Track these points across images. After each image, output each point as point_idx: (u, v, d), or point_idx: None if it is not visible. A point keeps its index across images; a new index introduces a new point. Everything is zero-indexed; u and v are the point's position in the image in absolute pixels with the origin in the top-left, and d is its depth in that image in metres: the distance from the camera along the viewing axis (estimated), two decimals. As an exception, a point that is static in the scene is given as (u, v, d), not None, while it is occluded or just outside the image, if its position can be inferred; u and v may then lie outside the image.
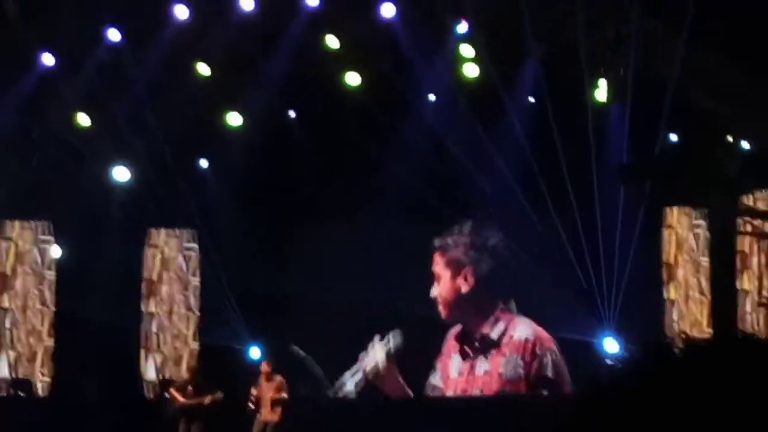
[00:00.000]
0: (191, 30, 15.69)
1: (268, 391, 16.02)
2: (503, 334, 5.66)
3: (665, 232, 17.52)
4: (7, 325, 17.82)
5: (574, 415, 2.97)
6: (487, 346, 5.66)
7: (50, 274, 17.93)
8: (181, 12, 15.59)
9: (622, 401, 2.83)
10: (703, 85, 14.26)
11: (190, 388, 16.61)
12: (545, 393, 5.59)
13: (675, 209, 17.49)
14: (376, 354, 5.99)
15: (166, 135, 16.41)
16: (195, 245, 18.39)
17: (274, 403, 15.86)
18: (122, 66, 15.86)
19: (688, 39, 13.74)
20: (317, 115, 16.84)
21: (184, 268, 18.45)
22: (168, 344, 18.26)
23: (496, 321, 5.70)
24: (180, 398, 16.48)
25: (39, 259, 17.93)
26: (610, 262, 15.66)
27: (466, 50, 15.90)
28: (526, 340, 5.62)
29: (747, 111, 14.57)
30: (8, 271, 17.91)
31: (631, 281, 15.67)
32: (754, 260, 17.06)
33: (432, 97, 16.59)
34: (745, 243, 17.09)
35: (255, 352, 17.48)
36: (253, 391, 16.13)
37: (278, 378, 16.01)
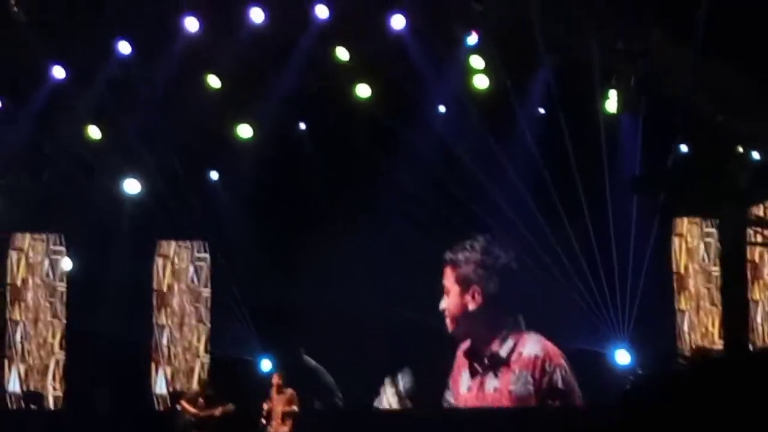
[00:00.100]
0: (202, 42, 15.70)
1: (278, 403, 16.00)
2: (512, 351, 5.66)
3: (675, 242, 17.51)
4: (18, 338, 17.83)
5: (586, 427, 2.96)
6: (497, 364, 5.66)
7: (61, 286, 17.96)
8: (192, 25, 15.60)
9: (637, 417, 2.82)
10: (714, 97, 14.25)
11: (200, 400, 16.60)
12: (556, 404, 5.59)
13: (685, 219, 17.48)
14: (388, 398, 6.04)
15: (176, 147, 16.45)
16: (206, 255, 18.39)
17: (285, 415, 15.84)
18: (133, 79, 15.89)
19: (700, 51, 13.73)
20: (327, 127, 16.86)
21: (195, 279, 18.45)
22: (179, 356, 18.26)
23: (505, 338, 5.70)
24: (191, 410, 16.47)
25: (50, 272, 17.95)
26: (623, 273, 15.65)
27: (477, 62, 15.90)
28: (536, 357, 5.62)
29: (757, 122, 14.56)
30: (19, 283, 17.93)
31: (644, 293, 15.67)
32: (765, 271, 17.06)
33: (442, 109, 16.59)
34: (755, 253, 17.07)
35: (266, 365, 17.47)
36: (265, 406, 16.11)
37: (289, 391, 15.99)
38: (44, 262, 17.98)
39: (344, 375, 16.26)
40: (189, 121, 16.16)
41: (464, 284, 5.89)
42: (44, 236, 17.98)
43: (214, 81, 16.17)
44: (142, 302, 17.98)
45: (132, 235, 17.29)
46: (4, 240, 17.93)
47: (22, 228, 17.88)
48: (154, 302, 18.28)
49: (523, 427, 5.10)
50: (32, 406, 17.46)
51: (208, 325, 18.40)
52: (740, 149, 15.74)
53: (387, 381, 6.02)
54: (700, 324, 17.38)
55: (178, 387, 18.05)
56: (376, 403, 5.99)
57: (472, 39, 15.74)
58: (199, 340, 18.37)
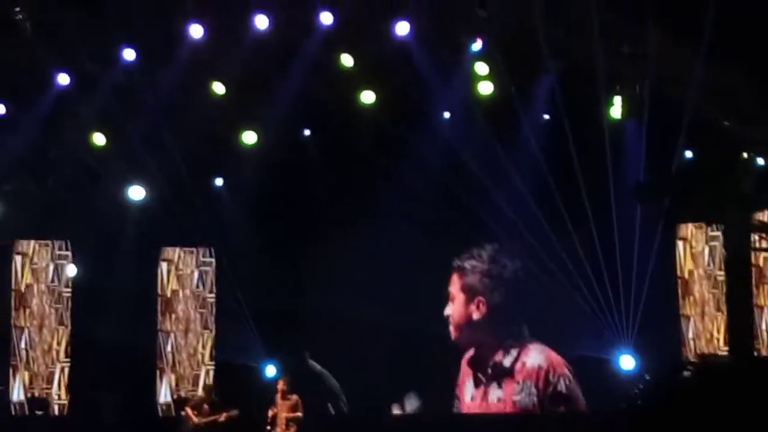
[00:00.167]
0: (206, 49, 15.73)
1: (283, 409, 15.99)
2: (516, 361, 5.69)
3: (680, 247, 17.49)
4: (23, 345, 17.84)
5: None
6: (500, 374, 5.69)
7: (66, 292, 17.96)
8: (197, 31, 15.64)
9: (645, 424, 2.84)
10: (719, 103, 14.26)
11: (205, 406, 16.60)
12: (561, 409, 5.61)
13: (690, 224, 17.47)
14: None
15: (181, 153, 16.47)
16: (211, 260, 18.40)
17: (289, 421, 15.84)
18: (138, 86, 15.92)
19: (704, 57, 13.74)
20: (332, 133, 16.88)
21: (200, 285, 18.46)
22: (184, 362, 18.27)
23: (509, 348, 5.73)
24: (195, 416, 16.48)
25: (55, 278, 17.96)
26: (627, 279, 15.65)
27: (481, 68, 15.92)
28: (539, 367, 5.65)
29: (762, 127, 14.57)
30: (24, 289, 17.94)
31: (648, 298, 15.67)
32: (769, 276, 17.05)
33: (447, 115, 16.60)
34: (760, 258, 17.06)
35: (271, 370, 17.47)
36: (269, 412, 16.11)
37: (294, 397, 15.98)
38: (49, 268, 18.00)
39: (348, 379, 16.26)
40: (194, 128, 16.20)
41: (470, 293, 5.92)
42: (49, 242, 18.00)
43: (218, 87, 16.19)
44: (147, 308, 17.99)
45: (137, 241, 17.31)
46: (9, 246, 17.95)
47: (27, 234, 17.89)
48: (159, 308, 18.29)
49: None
50: (38, 412, 17.47)
51: (213, 331, 18.40)
52: (745, 154, 15.74)
53: (395, 407, 6.06)
54: (704, 329, 17.36)
55: (182, 393, 18.05)
56: None
57: (477, 45, 15.76)
58: (204, 346, 18.38)
